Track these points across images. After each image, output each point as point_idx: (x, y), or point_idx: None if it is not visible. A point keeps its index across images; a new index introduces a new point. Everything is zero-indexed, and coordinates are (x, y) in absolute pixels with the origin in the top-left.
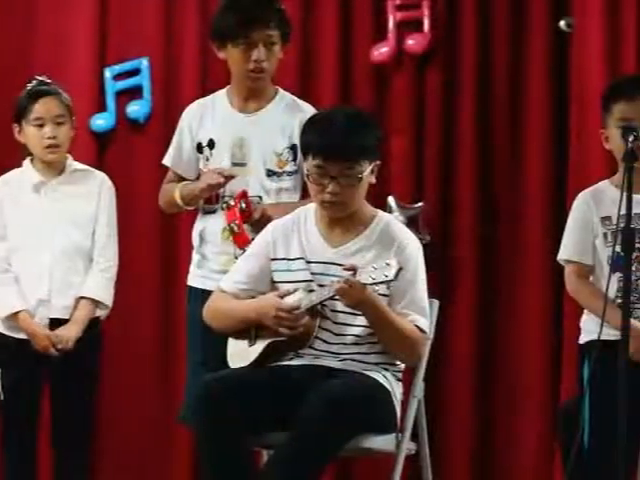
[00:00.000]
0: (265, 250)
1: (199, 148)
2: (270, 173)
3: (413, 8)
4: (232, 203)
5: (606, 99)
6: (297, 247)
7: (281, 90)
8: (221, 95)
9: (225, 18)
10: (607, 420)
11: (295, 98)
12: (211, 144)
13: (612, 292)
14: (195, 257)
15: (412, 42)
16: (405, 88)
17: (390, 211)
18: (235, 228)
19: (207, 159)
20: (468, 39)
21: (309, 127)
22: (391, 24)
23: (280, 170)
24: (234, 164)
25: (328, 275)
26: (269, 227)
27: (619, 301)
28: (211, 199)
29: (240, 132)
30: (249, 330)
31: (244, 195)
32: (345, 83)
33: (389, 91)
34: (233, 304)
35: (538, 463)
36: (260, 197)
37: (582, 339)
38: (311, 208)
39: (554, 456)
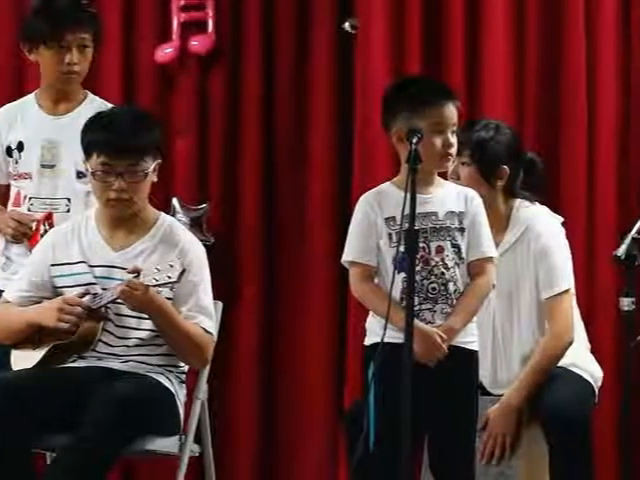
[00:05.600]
0: (44, 256)
1: (8, 151)
2: (80, 175)
3: (198, 9)
4: (34, 227)
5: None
6: (78, 251)
7: (90, 94)
8: (30, 98)
9: (38, 21)
10: (391, 422)
11: (105, 101)
12: (20, 147)
13: (397, 293)
14: (0, 260)
15: (196, 43)
16: (189, 89)
17: (174, 212)
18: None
19: (16, 162)
20: (252, 40)
21: (92, 125)
22: (175, 25)
23: None
24: (43, 166)
25: (112, 279)
26: (49, 234)
27: (405, 302)
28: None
29: (49, 134)
30: (33, 336)
31: (49, 217)
32: (129, 83)
33: (173, 92)
34: (14, 311)
35: (323, 465)
36: (69, 199)
37: (367, 341)
38: (92, 213)
39: (339, 457)
